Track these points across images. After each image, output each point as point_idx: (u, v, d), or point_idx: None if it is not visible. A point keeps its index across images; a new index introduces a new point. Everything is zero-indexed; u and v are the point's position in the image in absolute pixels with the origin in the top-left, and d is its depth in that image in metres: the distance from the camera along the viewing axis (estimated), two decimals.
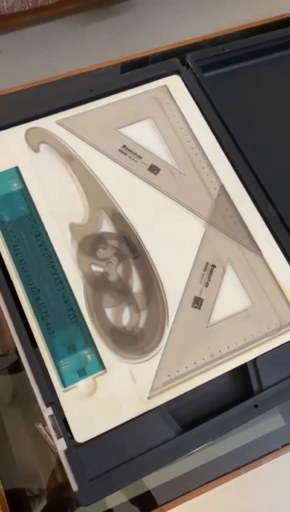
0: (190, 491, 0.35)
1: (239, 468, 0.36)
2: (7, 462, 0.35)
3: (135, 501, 0.35)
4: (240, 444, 0.37)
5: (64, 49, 0.95)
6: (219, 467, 0.36)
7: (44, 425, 0.32)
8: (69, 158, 0.40)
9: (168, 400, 0.33)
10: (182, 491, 0.35)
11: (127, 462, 0.31)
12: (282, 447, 0.37)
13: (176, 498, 0.34)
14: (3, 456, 0.35)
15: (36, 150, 0.40)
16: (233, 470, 0.36)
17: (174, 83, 0.44)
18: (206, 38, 0.51)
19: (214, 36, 0.50)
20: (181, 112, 0.42)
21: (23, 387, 0.36)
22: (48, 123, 0.41)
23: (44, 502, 0.34)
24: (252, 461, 0.36)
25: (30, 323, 0.34)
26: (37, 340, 0.34)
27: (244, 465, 0.36)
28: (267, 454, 0.36)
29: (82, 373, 0.33)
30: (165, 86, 0.43)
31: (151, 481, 0.35)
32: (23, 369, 0.33)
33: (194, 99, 0.43)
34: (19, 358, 0.34)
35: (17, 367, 0.37)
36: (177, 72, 0.44)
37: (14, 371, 0.37)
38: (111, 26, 0.97)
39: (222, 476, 0.35)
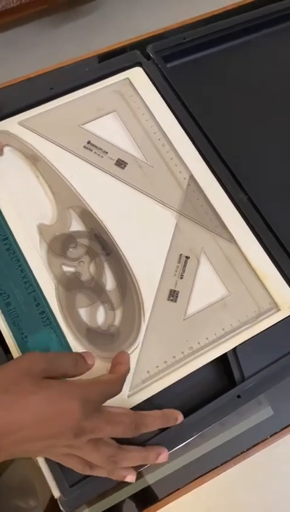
0: (180, 488, 0.34)
1: (228, 461, 0.35)
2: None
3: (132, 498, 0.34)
4: (228, 438, 0.36)
5: (33, 52, 0.95)
6: (207, 462, 0.35)
7: None
8: (34, 158, 0.39)
9: (149, 396, 0.32)
10: (174, 488, 0.34)
11: None
12: (271, 436, 0.36)
13: (171, 494, 0.33)
14: None
15: None
16: (221, 464, 0.35)
17: (137, 75, 0.43)
18: (168, 29, 0.50)
19: (175, 27, 0.50)
20: (145, 104, 0.42)
21: None
22: (9, 125, 0.40)
23: None
24: (240, 453, 0.35)
25: (2, 330, 0.33)
26: (9, 347, 0.33)
27: (233, 458, 0.35)
28: (256, 445, 0.35)
29: None
30: (128, 78, 0.43)
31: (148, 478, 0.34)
32: None
33: (158, 90, 0.42)
34: None
35: None
36: (139, 64, 0.43)
37: None
38: (80, 26, 0.97)
39: (211, 470, 0.34)
